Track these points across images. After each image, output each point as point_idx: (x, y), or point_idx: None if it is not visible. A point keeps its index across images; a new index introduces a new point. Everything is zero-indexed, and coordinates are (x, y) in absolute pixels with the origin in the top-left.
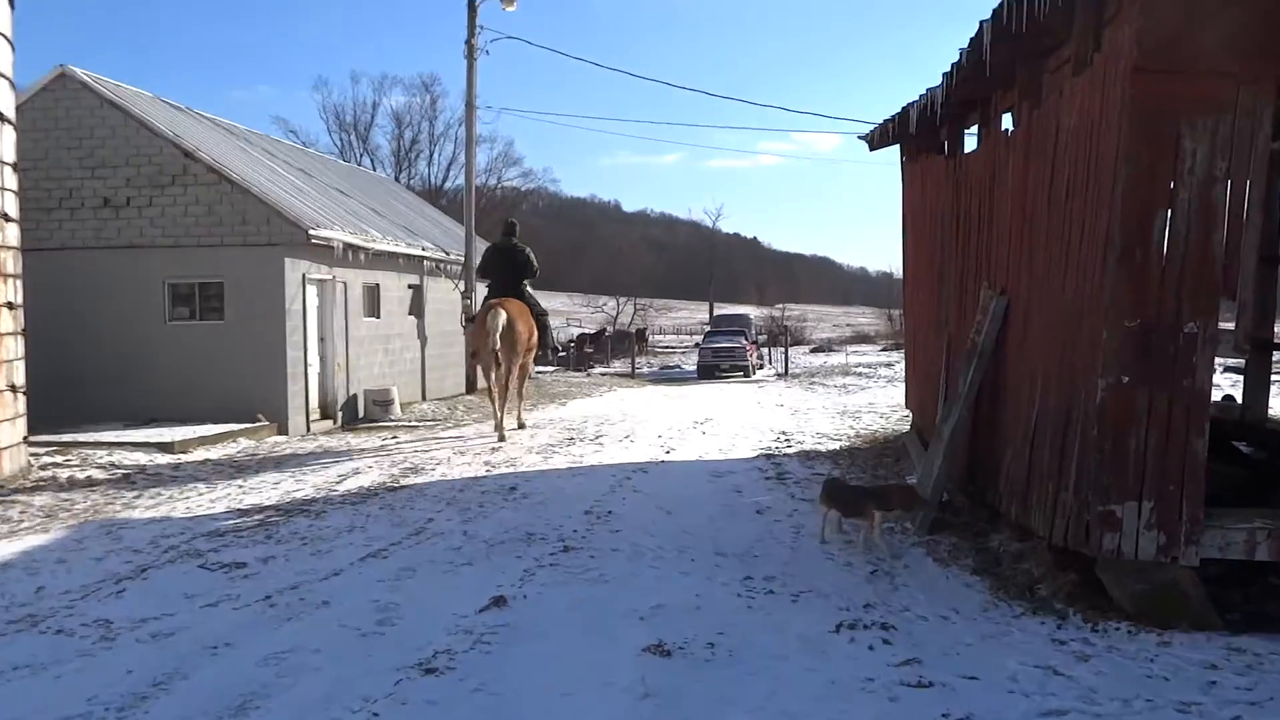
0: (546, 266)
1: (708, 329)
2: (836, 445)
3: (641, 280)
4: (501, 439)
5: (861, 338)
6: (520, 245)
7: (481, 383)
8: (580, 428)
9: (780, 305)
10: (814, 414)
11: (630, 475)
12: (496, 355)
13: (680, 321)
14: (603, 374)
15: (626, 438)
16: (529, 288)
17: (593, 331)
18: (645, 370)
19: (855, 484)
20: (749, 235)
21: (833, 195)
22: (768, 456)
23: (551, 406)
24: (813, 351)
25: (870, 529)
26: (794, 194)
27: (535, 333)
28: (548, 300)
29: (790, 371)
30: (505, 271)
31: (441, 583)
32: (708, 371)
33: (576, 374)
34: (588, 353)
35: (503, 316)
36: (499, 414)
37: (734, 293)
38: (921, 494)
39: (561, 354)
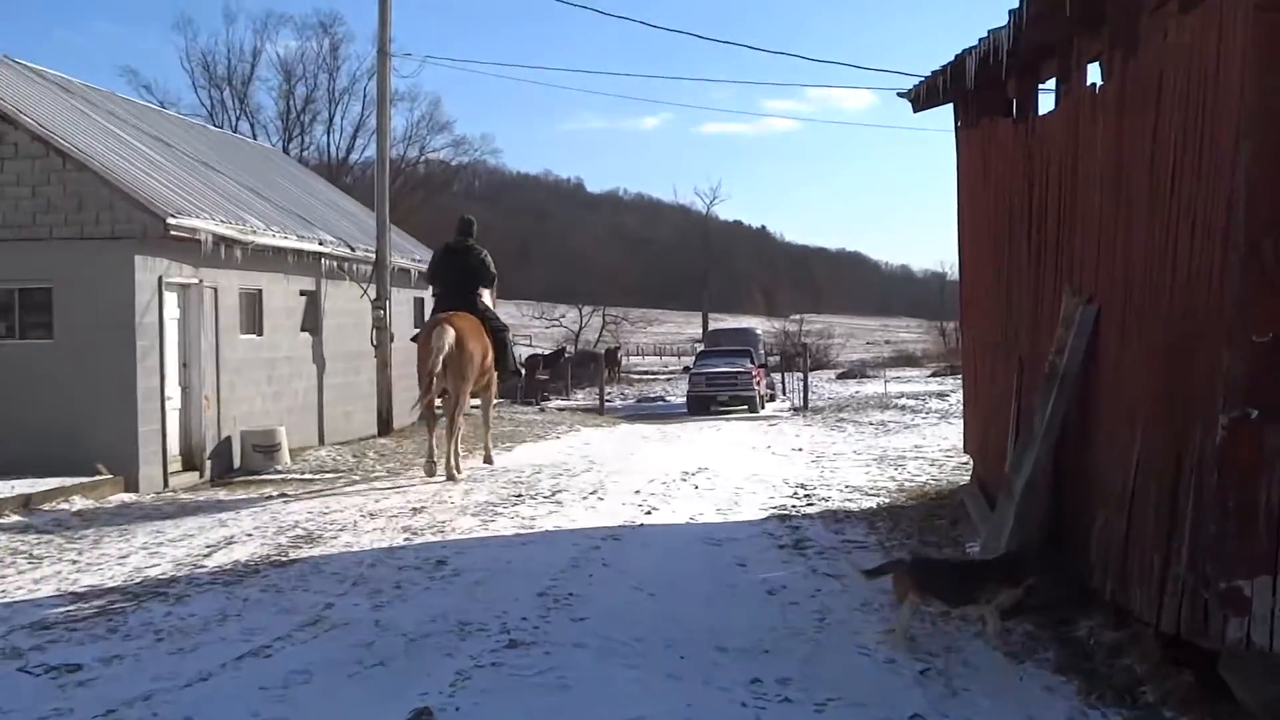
0: None
1: (701, 348)
2: (872, 502)
3: (612, 285)
4: (429, 472)
5: (904, 359)
6: (477, 248)
7: (405, 418)
8: (531, 481)
9: (797, 316)
10: (842, 461)
11: (599, 544)
12: (437, 379)
13: (664, 338)
14: (560, 408)
15: (594, 494)
16: (486, 297)
17: (547, 352)
18: (618, 403)
19: (945, 557)
20: (754, 224)
21: (864, 171)
22: (781, 518)
23: (493, 452)
24: (840, 378)
25: (990, 621)
26: (814, 169)
27: (490, 352)
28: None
29: (811, 405)
30: (457, 278)
31: (345, 691)
32: (701, 405)
33: (526, 408)
34: (541, 380)
35: (450, 334)
36: (449, 450)
37: (735, 300)
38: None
39: (521, 377)
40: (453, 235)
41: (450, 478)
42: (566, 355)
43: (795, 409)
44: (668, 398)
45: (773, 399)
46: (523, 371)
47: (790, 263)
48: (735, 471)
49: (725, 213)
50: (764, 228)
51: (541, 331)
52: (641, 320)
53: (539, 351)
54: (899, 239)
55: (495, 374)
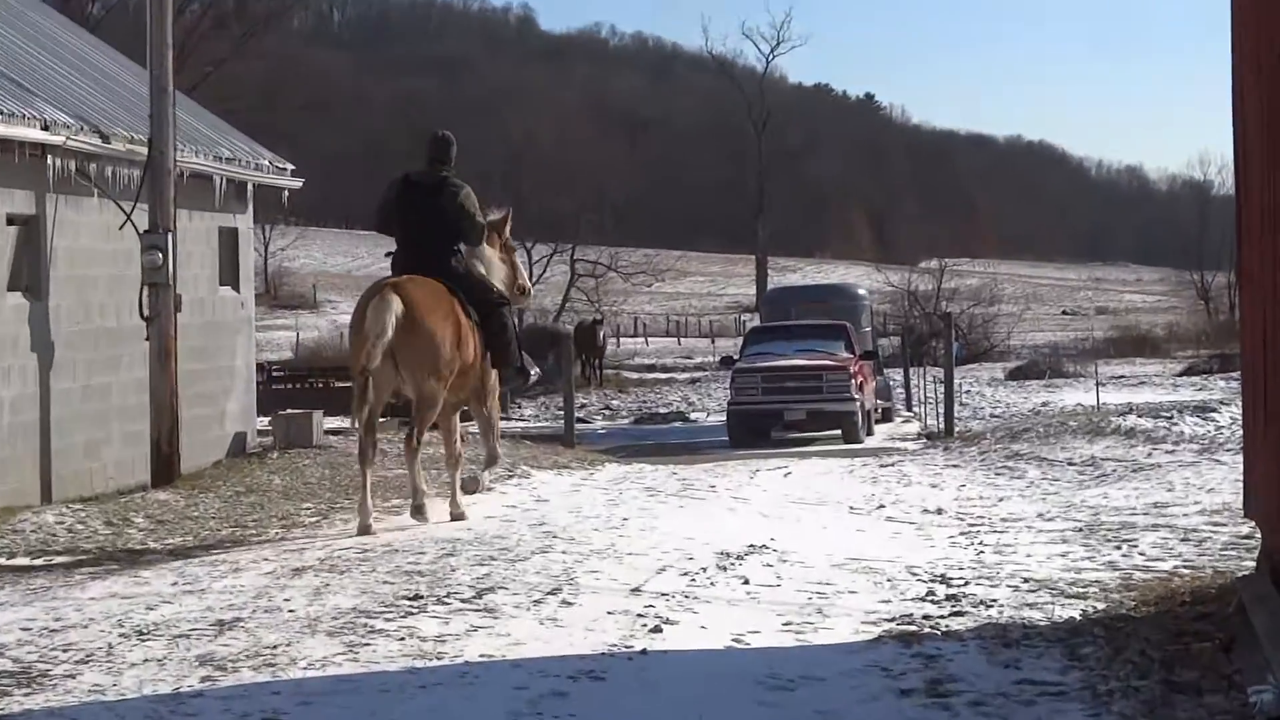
0: (359, 161)
1: (753, 324)
2: (1074, 610)
3: (590, 203)
4: (417, 511)
5: (1132, 342)
6: (455, 183)
7: (204, 450)
8: (440, 568)
9: (933, 263)
10: (1017, 533)
11: (564, 690)
12: (373, 381)
13: (685, 303)
14: (514, 430)
15: (555, 593)
16: (477, 261)
17: None
18: (600, 425)
19: None
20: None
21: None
22: (905, 639)
23: (344, 532)
24: (1014, 377)
25: None
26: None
27: (471, 338)
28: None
29: (959, 429)
30: (422, 229)
31: None
32: (753, 428)
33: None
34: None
35: (394, 307)
36: (416, 482)
37: (817, 234)
38: None
39: (534, 377)
40: (423, 161)
41: (454, 513)
42: None
43: (930, 436)
44: (692, 415)
45: (887, 417)
46: (533, 373)
47: (920, 163)
48: (818, 552)
49: (797, 72)
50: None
51: None
52: (644, 270)
53: None
54: (1115, 123)
55: (488, 374)
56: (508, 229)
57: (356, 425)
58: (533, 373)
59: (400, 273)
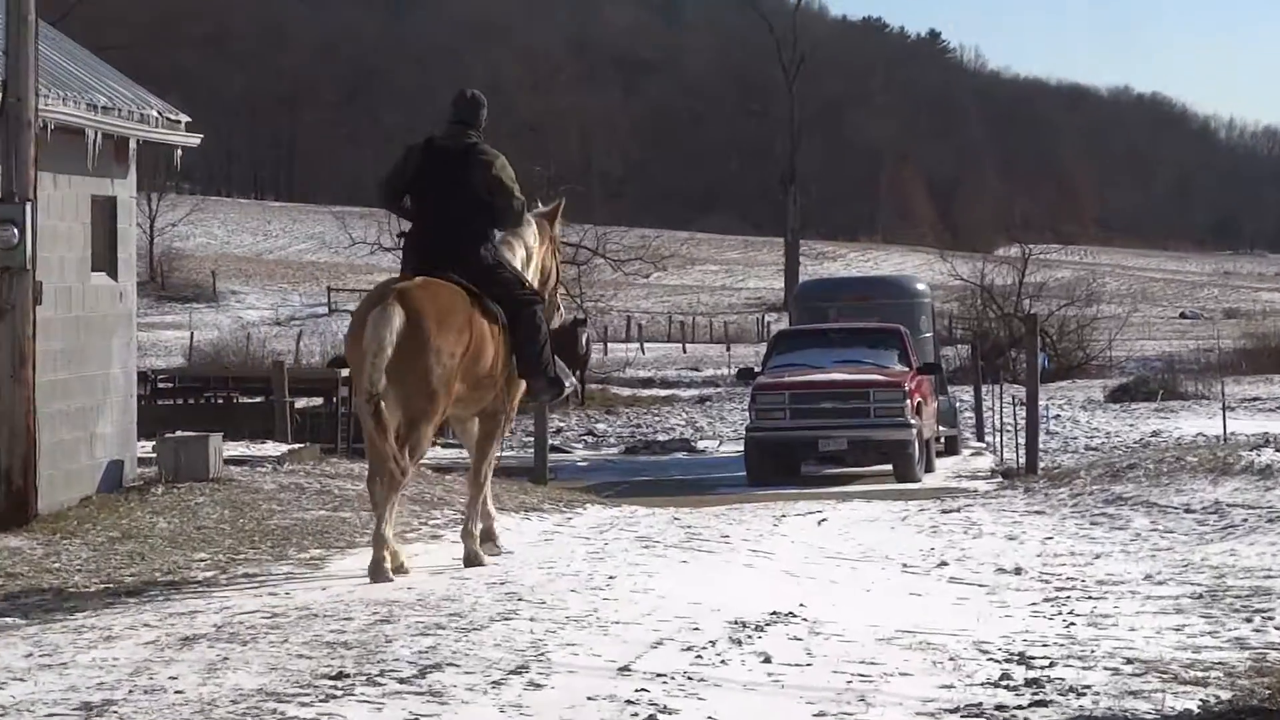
0: (274, 112)
1: (779, 326)
2: (1191, 702)
3: (577, 172)
4: (384, 573)
5: (1271, 354)
6: (486, 151)
7: (69, 485)
8: (368, 639)
9: (1011, 250)
10: (1118, 600)
11: None
12: (381, 404)
13: (691, 299)
14: (442, 460)
15: (520, 672)
16: (509, 250)
17: None
18: (580, 455)
19: None
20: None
21: None
22: None
23: (248, 590)
24: (1114, 399)
25: None
26: None
27: (494, 346)
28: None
29: (1044, 461)
30: (443, 206)
31: None
32: (778, 460)
33: (361, 465)
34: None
35: (395, 320)
36: (382, 529)
37: (861, 213)
38: None
39: (569, 390)
40: (445, 122)
41: (470, 555)
42: None
43: (1008, 473)
44: (699, 444)
45: (951, 449)
46: (567, 385)
47: (998, 122)
48: (860, 622)
49: (840, 2)
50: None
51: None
52: (640, 257)
53: None
54: (1249, 72)
55: (514, 384)
56: (558, 223)
57: (384, 459)
58: (567, 384)
59: (416, 261)
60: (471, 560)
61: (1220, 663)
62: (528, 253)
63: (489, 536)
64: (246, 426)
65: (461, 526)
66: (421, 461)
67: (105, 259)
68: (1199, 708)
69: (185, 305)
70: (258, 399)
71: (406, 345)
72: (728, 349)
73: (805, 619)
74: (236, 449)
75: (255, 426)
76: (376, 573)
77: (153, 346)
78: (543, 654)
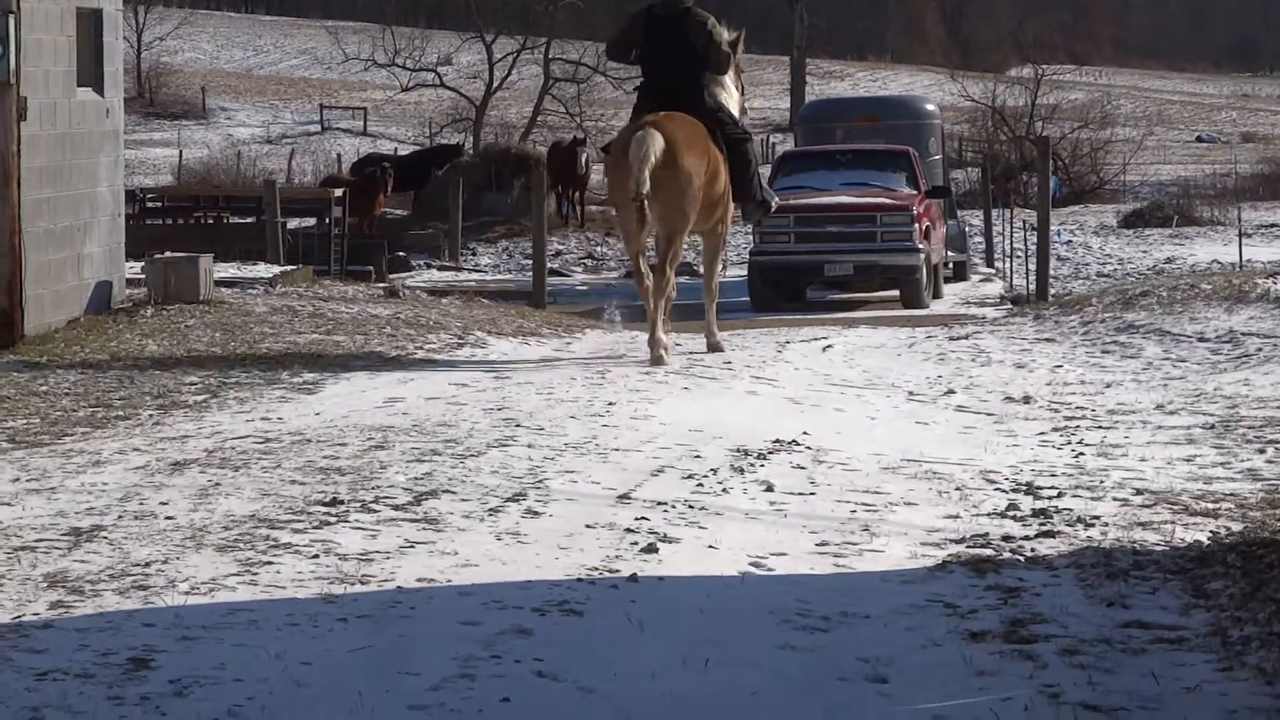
0: None
1: (785, 149)
2: (1200, 532)
3: None
4: (656, 360)
5: None
6: (699, 13)
7: (61, 305)
8: (366, 463)
9: (1030, 69)
10: (1128, 429)
11: (526, 627)
12: (644, 211)
13: None
14: (435, 289)
15: (517, 499)
16: (720, 89)
17: (400, 154)
18: (579, 278)
19: None
20: None
21: None
22: (977, 565)
23: (240, 415)
24: (1127, 224)
25: None
26: None
27: (723, 173)
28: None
29: (1055, 287)
30: (668, 65)
31: None
32: (783, 286)
33: (354, 288)
34: (380, 218)
35: (657, 142)
36: (655, 319)
37: (870, 29)
38: None
39: (774, 207)
40: None
41: (712, 346)
42: (451, 162)
43: (1018, 299)
44: (702, 268)
45: (961, 274)
46: (773, 204)
47: None
48: (865, 450)
49: None
50: None
51: (384, 107)
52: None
53: (379, 153)
54: None
55: (730, 209)
56: (740, 50)
57: (634, 262)
58: (773, 204)
59: (655, 107)
60: (714, 348)
61: (1232, 494)
62: (731, 89)
63: (715, 347)
64: (237, 247)
65: (705, 329)
66: (418, 286)
67: (91, 74)
68: (1209, 539)
69: (174, 122)
70: (249, 219)
71: (664, 162)
72: None
73: (809, 447)
74: (227, 270)
75: (246, 247)
76: (658, 358)
77: (141, 165)
78: (540, 481)
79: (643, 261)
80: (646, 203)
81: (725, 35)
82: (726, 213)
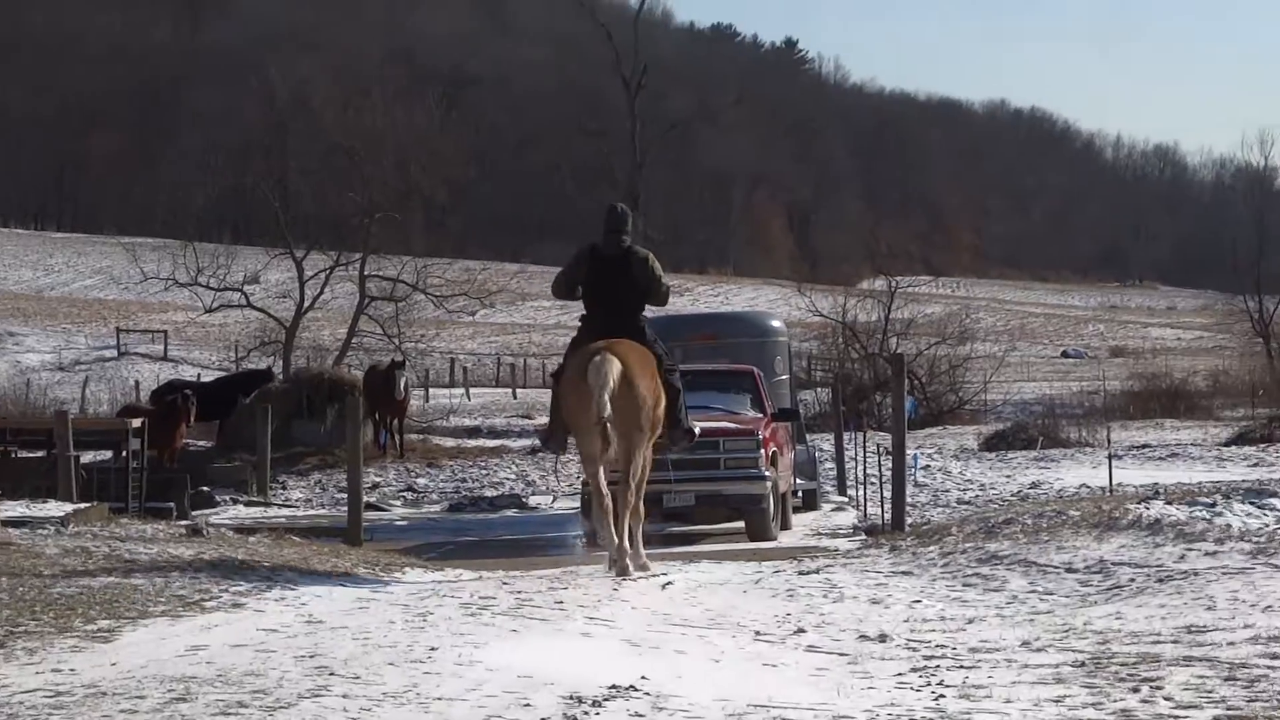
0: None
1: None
2: None
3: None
4: (622, 571)
5: (1160, 397)
6: (639, 251)
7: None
8: None
9: (877, 283)
10: (991, 667)
11: None
12: (606, 433)
13: (521, 340)
14: (242, 526)
15: None
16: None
17: (206, 379)
18: (397, 510)
19: None
20: (768, 38)
21: None
22: None
23: (29, 667)
24: (989, 446)
25: None
26: None
27: (661, 400)
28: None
29: (912, 516)
30: (615, 296)
31: None
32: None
33: (151, 526)
34: (181, 450)
35: (615, 366)
36: (614, 530)
37: (711, 242)
38: None
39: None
40: (601, 233)
41: (630, 569)
42: (259, 388)
43: (872, 530)
44: (531, 499)
45: (811, 504)
46: (696, 431)
47: (862, 140)
48: (708, 696)
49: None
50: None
51: (186, 329)
52: (464, 293)
53: (181, 379)
54: (1136, 87)
55: (658, 434)
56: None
57: (593, 482)
58: (696, 430)
59: (600, 337)
60: (639, 566)
61: None
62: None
63: (640, 562)
64: (27, 483)
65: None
66: (223, 523)
67: None
68: None
69: None
70: (39, 453)
71: (622, 385)
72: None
73: (648, 693)
74: (15, 509)
75: (36, 484)
76: (623, 569)
77: None
78: None
79: (603, 483)
80: (609, 425)
81: (661, 271)
82: (653, 438)
